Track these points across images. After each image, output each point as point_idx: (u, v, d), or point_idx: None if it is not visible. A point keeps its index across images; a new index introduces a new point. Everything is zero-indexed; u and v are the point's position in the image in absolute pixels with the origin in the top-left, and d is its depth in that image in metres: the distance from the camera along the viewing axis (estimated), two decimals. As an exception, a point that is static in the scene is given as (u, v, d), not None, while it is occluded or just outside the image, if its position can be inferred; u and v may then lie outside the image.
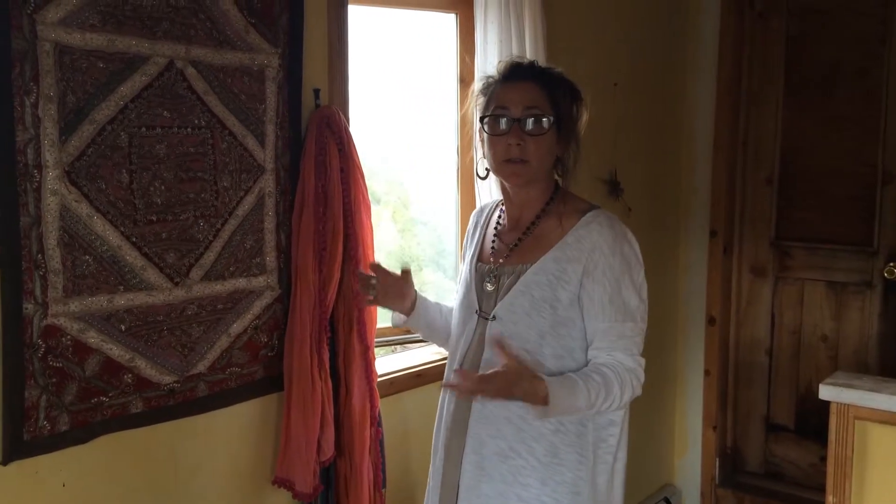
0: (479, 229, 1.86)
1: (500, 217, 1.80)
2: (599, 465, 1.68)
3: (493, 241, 1.77)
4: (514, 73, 1.69)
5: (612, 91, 2.99)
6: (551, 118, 1.64)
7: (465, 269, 1.81)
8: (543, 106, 1.65)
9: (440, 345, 1.96)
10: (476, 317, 1.72)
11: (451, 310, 1.89)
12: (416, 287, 1.86)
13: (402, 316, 1.85)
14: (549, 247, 1.65)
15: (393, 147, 2.70)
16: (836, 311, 3.31)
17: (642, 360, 1.65)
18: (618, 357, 1.62)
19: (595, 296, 1.61)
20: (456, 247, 2.69)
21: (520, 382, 1.51)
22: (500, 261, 1.72)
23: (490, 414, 1.65)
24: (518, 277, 1.66)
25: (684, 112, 3.53)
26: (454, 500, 1.71)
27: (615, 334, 1.62)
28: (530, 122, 1.63)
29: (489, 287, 1.71)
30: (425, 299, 1.88)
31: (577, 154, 1.72)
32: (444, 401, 1.79)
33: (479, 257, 1.78)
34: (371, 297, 1.80)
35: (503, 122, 1.65)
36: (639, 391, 1.65)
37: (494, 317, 1.67)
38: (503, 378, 1.50)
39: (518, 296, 1.65)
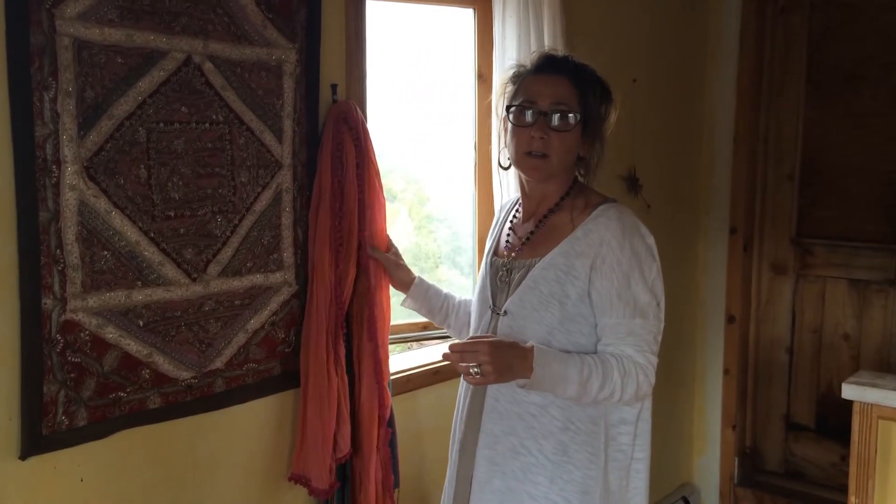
0: (498, 225, 1.87)
1: (517, 211, 1.81)
2: (611, 464, 1.67)
3: (508, 235, 1.78)
4: (547, 65, 1.68)
5: (632, 87, 2.97)
6: (578, 115, 1.63)
7: (483, 263, 1.83)
8: (572, 102, 1.63)
9: (448, 332, 2.06)
10: (490, 311, 1.73)
11: (459, 302, 1.99)
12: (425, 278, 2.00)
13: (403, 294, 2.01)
14: (559, 241, 1.64)
15: (410, 144, 2.69)
16: (859, 309, 3.27)
17: (653, 359, 1.61)
18: (626, 352, 1.59)
19: (603, 291, 1.59)
20: (472, 244, 2.67)
21: (503, 347, 1.51)
22: (513, 255, 1.72)
23: (503, 410, 1.66)
24: (528, 272, 1.66)
25: (704, 108, 3.49)
26: (468, 492, 1.73)
27: (624, 330, 1.59)
28: (556, 117, 1.62)
29: (502, 282, 1.72)
30: (430, 287, 1.99)
31: (600, 154, 1.71)
32: (461, 395, 1.80)
33: (495, 251, 1.80)
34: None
35: (529, 115, 1.64)
36: (647, 389, 1.61)
37: (505, 312, 1.67)
38: (487, 343, 1.50)
39: (527, 291, 1.64)
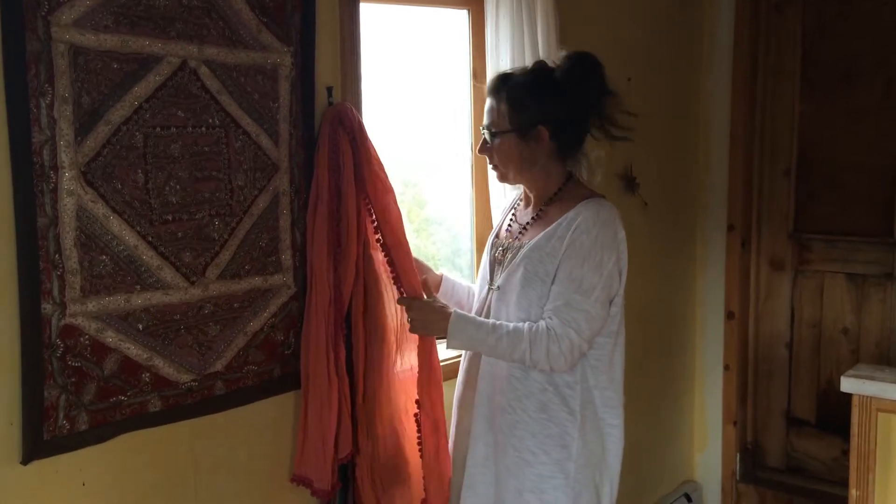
0: (504, 212, 2.12)
1: (520, 201, 2.05)
2: (588, 424, 1.86)
3: (511, 221, 2.02)
4: (488, 91, 1.95)
5: (627, 86, 2.97)
6: (502, 130, 1.87)
7: (487, 245, 2.06)
8: (497, 119, 1.88)
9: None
10: (488, 287, 1.96)
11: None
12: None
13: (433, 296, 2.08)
14: (547, 227, 1.85)
15: (407, 146, 2.69)
16: (857, 303, 3.28)
17: (575, 336, 1.76)
18: (552, 322, 1.77)
19: (563, 265, 1.79)
20: (471, 245, 2.68)
21: (424, 308, 1.88)
22: (510, 239, 1.96)
23: (495, 372, 1.90)
24: (518, 253, 1.88)
25: (700, 105, 3.50)
26: (466, 444, 1.96)
27: (562, 299, 1.78)
28: (487, 136, 1.91)
29: (499, 262, 1.95)
30: (454, 282, 2.16)
31: (572, 136, 1.89)
32: (462, 359, 2.05)
33: (497, 235, 2.04)
34: None
35: (483, 136, 1.93)
36: (558, 360, 1.76)
37: (498, 287, 1.90)
38: (415, 302, 1.89)
39: (515, 269, 1.87)
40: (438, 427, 2.01)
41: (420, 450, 2.02)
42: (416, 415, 2.02)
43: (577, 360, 1.81)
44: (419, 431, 2.01)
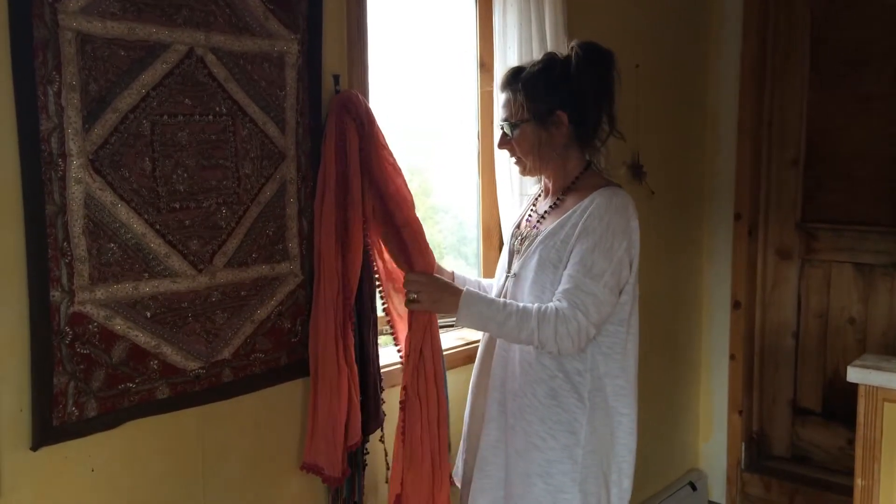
0: (527, 203, 2.14)
1: (541, 193, 2.08)
2: (597, 412, 1.87)
3: (530, 213, 2.04)
4: (500, 85, 1.98)
5: (634, 73, 2.96)
6: (522, 119, 1.89)
7: (508, 235, 2.09)
8: (513, 111, 1.91)
9: None
10: (505, 275, 2.00)
11: (491, 284, 2.15)
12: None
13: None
14: (563, 215, 1.87)
15: (413, 133, 2.69)
16: (864, 293, 3.27)
17: (583, 319, 1.77)
18: (561, 304, 1.78)
19: (575, 250, 1.81)
20: (477, 234, 2.68)
21: (437, 283, 1.87)
22: (529, 228, 1.98)
23: (508, 357, 1.94)
24: (534, 241, 1.91)
25: (708, 93, 3.49)
26: (480, 427, 2.00)
27: (572, 282, 1.79)
28: (506, 128, 1.93)
29: (517, 250, 1.98)
30: (465, 279, 2.15)
31: (590, 120, 1.90)
32: (480, 344, 2.09)
33: (518, 226, 2.06)
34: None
35: (502, 130, 1.96)
36: (565, 341, 1.77)
37: (515, 275, 1.94)
38: (426, 276, 1.87)
39: (529, 257, 1.90)
40: (438, 436, 1.93)
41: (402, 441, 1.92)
42: (401, 402, 1.93)
43: (584, 343, 1.81)
44: (403, 421, 1.92)
